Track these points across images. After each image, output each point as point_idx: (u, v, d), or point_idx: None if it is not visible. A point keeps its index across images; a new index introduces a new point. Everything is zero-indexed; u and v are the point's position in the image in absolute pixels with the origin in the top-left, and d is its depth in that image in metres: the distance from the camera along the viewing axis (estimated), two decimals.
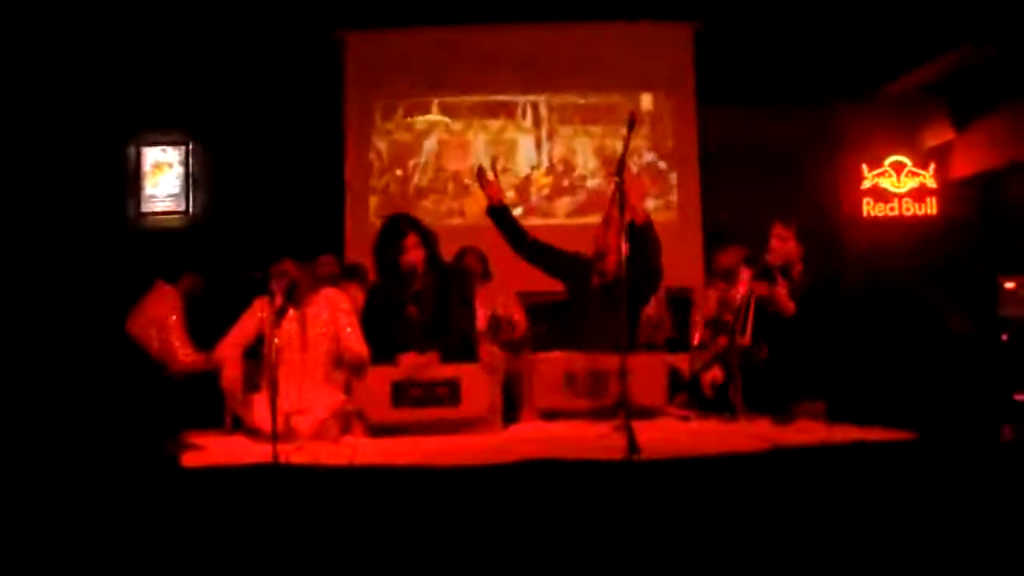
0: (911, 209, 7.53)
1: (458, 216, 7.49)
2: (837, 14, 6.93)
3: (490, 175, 4.69)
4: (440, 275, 4.25)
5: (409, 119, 7.63)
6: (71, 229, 6.86)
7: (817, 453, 3.17)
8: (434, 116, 7.66)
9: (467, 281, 4.43)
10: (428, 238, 4.24)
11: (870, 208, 7.52)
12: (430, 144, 7.67)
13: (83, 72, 6.99)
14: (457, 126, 7.71)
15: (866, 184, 7.55)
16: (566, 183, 7.65)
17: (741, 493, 2.97)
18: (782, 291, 4.09)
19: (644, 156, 7.53)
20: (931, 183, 7.55)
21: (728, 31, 7.26)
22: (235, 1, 7.01)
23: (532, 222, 7.05)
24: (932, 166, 7.54)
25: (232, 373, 3.97)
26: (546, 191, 7.69)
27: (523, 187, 7.63)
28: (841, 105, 7.41)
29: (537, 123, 7.73)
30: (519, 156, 7.69)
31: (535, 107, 7.70)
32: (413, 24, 7.42)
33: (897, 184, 7.54)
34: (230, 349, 4.07)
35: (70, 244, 6.78)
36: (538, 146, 7.68)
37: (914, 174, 7.55)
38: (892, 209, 7.52)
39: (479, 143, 7.67)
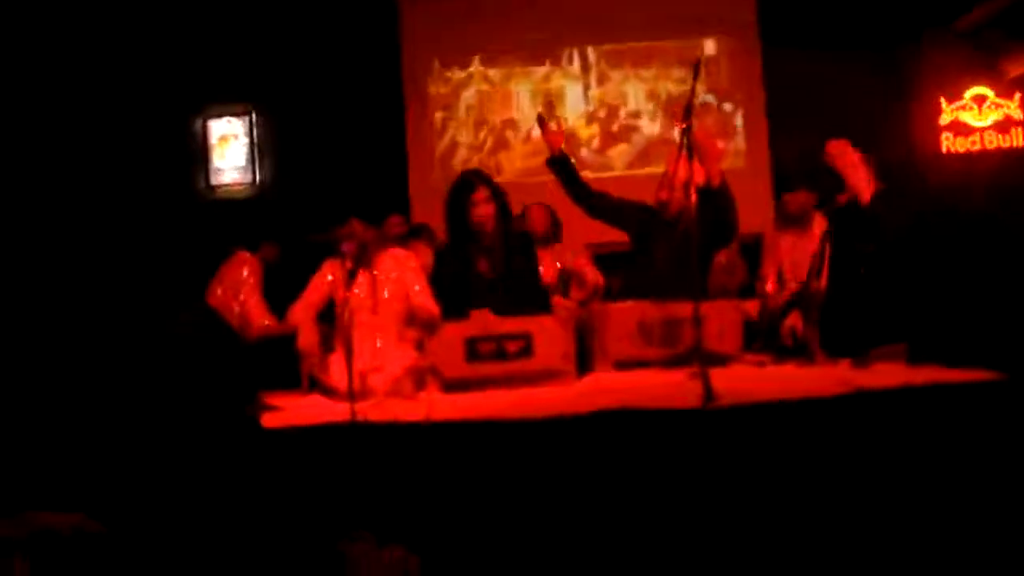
0: (995, 142, 7.21)
1: (495, 173, 7.44)
2: None
3: (552, 124, 4.59)
4: (509, 231, 4.25)
5: (448, 73, 7.54)
6: (144, 204, 7.03)
7: (899, 395, 3.09)
8: (474, 68, 7.55)
9: (527, 236, 4.44)
10: (498, 193, 4.24)
11: (950, 143, 7.23)
12: (468, 96, 7.55)
13: (147, 49, 7.11)
14: (496, 75, 7.58)
15: (945, 119, 7.25)
16: (615, 128, 7.50)
17: (823, 438, 2.92)
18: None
19: (705, 99, 7.34)
20: (1017, 114, 7.21)
21: None
22: None
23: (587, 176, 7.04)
24: (1017, 96, 7.20)
25: (308, 335, 4.04)
26: (595, 142, 7.53)
27: (569, 141, 7.54)
28: (914, 43, 7.12)
29: (586, 69, 7.55)
30: (567, 105, 7.50)
31: (583, 52, 7.52)
32: None
33: (979, 117, 7.22)
34: (303, 312, 4.14)
35: (144, 219, 6.94)
36: (586, 93, 7.48)
37: (997, 106, 7.22)
38: (974, 143, 7.22)
39: (522, 93, 7.55)
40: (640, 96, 7.49)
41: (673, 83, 7.40)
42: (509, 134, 7.50)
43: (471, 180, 4.28)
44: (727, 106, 7.43)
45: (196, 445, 2.62)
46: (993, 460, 2.90)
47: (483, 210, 4.17)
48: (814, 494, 2.84)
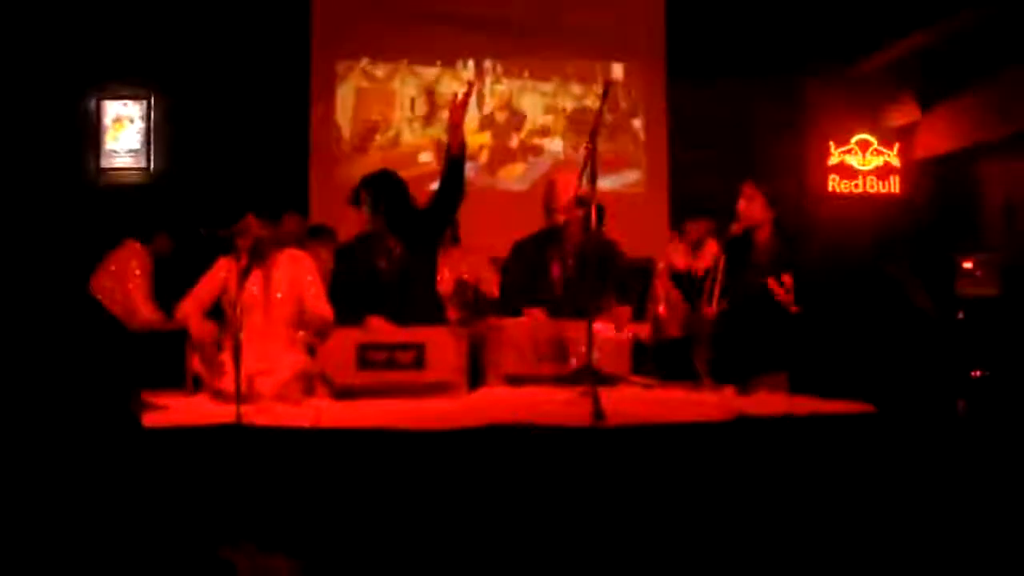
0: (875, 187, 7.62)
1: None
2: None
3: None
4: (409, 232, 4.22)
5: (360, 69, 7.45)
6: (29, 184, 6.70)
7: (779, 423, 3.21)
8: (380, 65, 7.50)
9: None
10: (393, 191, 4.20)
11: (836, 184, 7.61)
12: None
13: (42, 21, 6.79)
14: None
15: (833, 160, 7.63)
16: (514, 143, 7.54)
17: (706, 460, 3.01)
18: (786, 294, 4.00)
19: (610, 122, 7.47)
20: (895, 162, 7.64)
21: (699, 2, 7.25)
22: None
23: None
24: (897, 145, 7.63)
25: (200, 327, 3.91)
26: (485, 155, 7.50)
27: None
28: (811, 81, 7.47)
29: (480, 74, 7.57)
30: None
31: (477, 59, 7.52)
32: None
33: (863, 162, 7.62)
34: (192, 307, 4.01)
35: (28, 199, 6.62)
36: (480, 103, 7.46)
37: (879, 152, 7.64)
38: (857, 186, 7.62)
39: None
40: (538, 110, 7.55)
41: (572, 99, 7.50)
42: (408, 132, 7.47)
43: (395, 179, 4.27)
44: (635, 123, 7.57)
45: (71, 440, 2.51)
46: (863, 488, 3.05)
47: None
48: (695, 514, 2.93)
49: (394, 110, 7.48)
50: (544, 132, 7.54)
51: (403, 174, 4.35)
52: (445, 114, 7.22)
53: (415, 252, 4.21)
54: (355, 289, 4.14)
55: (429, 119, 7.47)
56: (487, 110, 7.56)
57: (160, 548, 2.39)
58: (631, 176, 7.50)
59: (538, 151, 7.54)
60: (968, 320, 5.59)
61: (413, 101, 7.50)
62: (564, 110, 7.51)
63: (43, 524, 2.24)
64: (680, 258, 4.91)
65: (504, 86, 7.56)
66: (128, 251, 5.27)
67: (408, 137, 7.48)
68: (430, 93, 7.49)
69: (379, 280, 4.16)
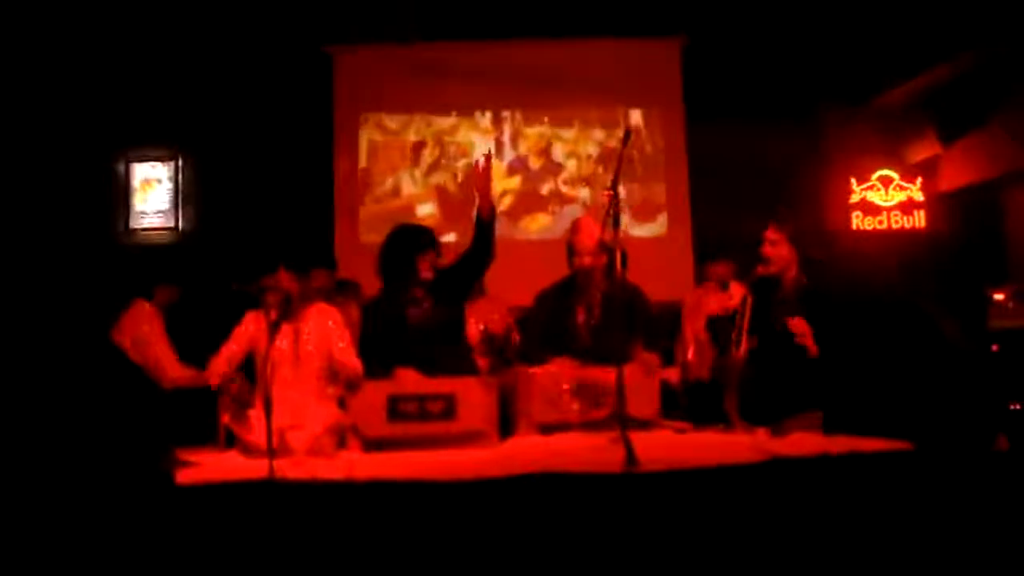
0: (899, 222, 7.58)
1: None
2: (824, 27, 7.00)
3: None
4: (438, 280, 4.26)
5: (380, 126, 7.54)
6: (61, 245, 6.82)
7: (814, 464, 3.17)
8: (402, 122, 7.57)
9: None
10: (438, 247, 4.27)
11: (859, 221, 7.57)
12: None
13: (73, 86, 6.97)
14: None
15: (854, 198, 7.60)
16: (545, 190, 7.58)
17: (740, 504, 2.97)
18: (808, 337, 3.99)
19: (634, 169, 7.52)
20: (918, 196, 7.60)
21: (715, 46, 7.31)
22: (225, 16, 7.03)
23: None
24: (919, 180, 7.60)
25: (234, 384, 3.93)
26: (509, 200, 7.53)
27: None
28: (829, 119, 7.48)
29: (498, 122, 7.64)
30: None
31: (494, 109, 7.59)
32: (401, 40, 7.45)
33: (885, 198, 7.59)
34: (224, 364, 4.04)
35: (60, 260, 6.73)
36: (499, 150, 7.52)
37: (902, 188, 7.60)
38: (881, 223, 7.57)
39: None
40: (560, 156, 7.61)
41: (593, 144, 7.55)
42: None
43: (419, 230, 4.34)
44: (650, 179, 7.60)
45: (105, 498, 2.53)
46: (902, 527, 2.99)
47: (428, 262, 4.20)
48: (731, 559, 2.88)
49: (403, 161, 7.57)
50: (571, 181, 7.57)
51: None
52: (455, 162, 7.44)
53: (444, 304, 4.23)
54: (385, 341, 4.16)
55: (434, 168, 7.52)
56: (521, 151, 7.60)
57: None
58: (661, 219, 7.52)
59: (567, 200, 7.55)
60: (1003, 352, 5.51)
61: (418, 149, 7.57)
62: (590, 156, 7.55)
63: None
64: (714, 302, 4.90)
65: (538, 129, 7.61)
66: (137, 314, 5.32)
67: (409, 188, 7.55)
68: (439, 142, 7.56)
69: (408, 332, 4.18)
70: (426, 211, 7.49)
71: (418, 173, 7.54)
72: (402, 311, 4.21)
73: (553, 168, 7.57)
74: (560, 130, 7.59)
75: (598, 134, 7.55)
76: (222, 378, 3.94)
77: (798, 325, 3.95)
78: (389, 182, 7.54)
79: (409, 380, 3.98)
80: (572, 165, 7.56)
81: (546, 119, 7.59)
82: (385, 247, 4.32)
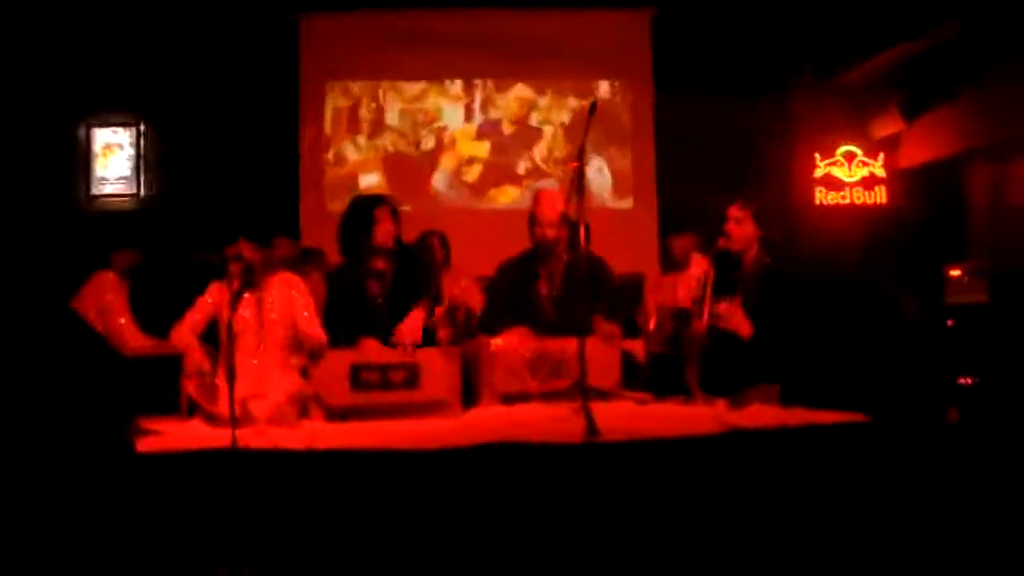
0: (861, 198, 7.68)
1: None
2: (793, 2, 7.03)
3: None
4: (403, 257, 4.25)
5: (346, 92, 7.45)
6: (21, 210, 6.70)
7: (772, 435, 3.24)
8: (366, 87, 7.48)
9: (432, 264, 4.43)
10: (396, 215, 4.24)
11: (823, 196, 7.66)
12: (363, 116, 7.47)
13: (33, 50, 6.82)
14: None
15: (818, 173, 7.68)
16: (520, 167, 7.53)
17: (699, 474, 3.02)
18: (738, 314, 4.07)
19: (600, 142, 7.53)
20: (880, 172, 7.70)
21: (684, 17, 7.31)
22: None
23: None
24: (881, 156, 7.69)
25: (194, 354, 3.91)
26: (478, 170, 7.54)
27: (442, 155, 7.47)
28: (796, 94, 7.53)
29: (469, 89, 7.58)
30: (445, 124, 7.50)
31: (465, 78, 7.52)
32: (369, 7, 7.37)
33: (848, 173, 7.68)
34: (186, 333, 4.02)
35: (20, 226, 6.62)
36: (468, 117, 7.49)
37: (864, 163, 7.70)
38: (844, 198, 7.67)
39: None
40: (535, 121, 7.56)
41: (567, 112, 7.54)
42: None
43: (371, 201, 4.30)
44: (616, 151, 7.62)
45: (66, 466, 2.52)
46: (857, 498, 3.07)
47: (384, 228, 4.17)
48: (690, 528, 2.94)
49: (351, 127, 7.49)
50: (547, 159, 7.54)
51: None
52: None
53: (405, 278, 4.23)
54: (347, 311, 4.16)
55: (375, 132, 7.48)
56: (492, 116, 7.53)
57: (156, 573, 2.40)
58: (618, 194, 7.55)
59: (543, 174, 7.50)
60: (958, 328, 5.62)
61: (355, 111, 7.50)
62: (563, 124, 7.53)
63: (39, 549, 2.25)
64: (681, 292, 4.91)
65: (513, 94, 7.54)
66: (97, 280, 5.25)
67: (352, 155, 7.50)
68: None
69: (369, 303, 4.17)
70: (371, 180, 7.44)
71: (361, 139, 7.47)
72: (363, 282, 4.20)
73: (530, 134, 7.53)
74: (536, 98, 7.56)
75: (572, 102, 7.53)
76: (184, 347, 3.92)
77: (724, 309, 4.03)
78: (348, 148, 7.49)
79: (372, 350, 3.98)
80: (549, 131, 7.53)
81: (518, 86, 7.55)
82: (343, 217, 4.30)
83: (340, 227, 4.29)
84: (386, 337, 4.04)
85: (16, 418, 2.49)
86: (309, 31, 7.37)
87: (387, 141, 7.48)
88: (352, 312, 4.14)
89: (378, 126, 7.47)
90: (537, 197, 4.59)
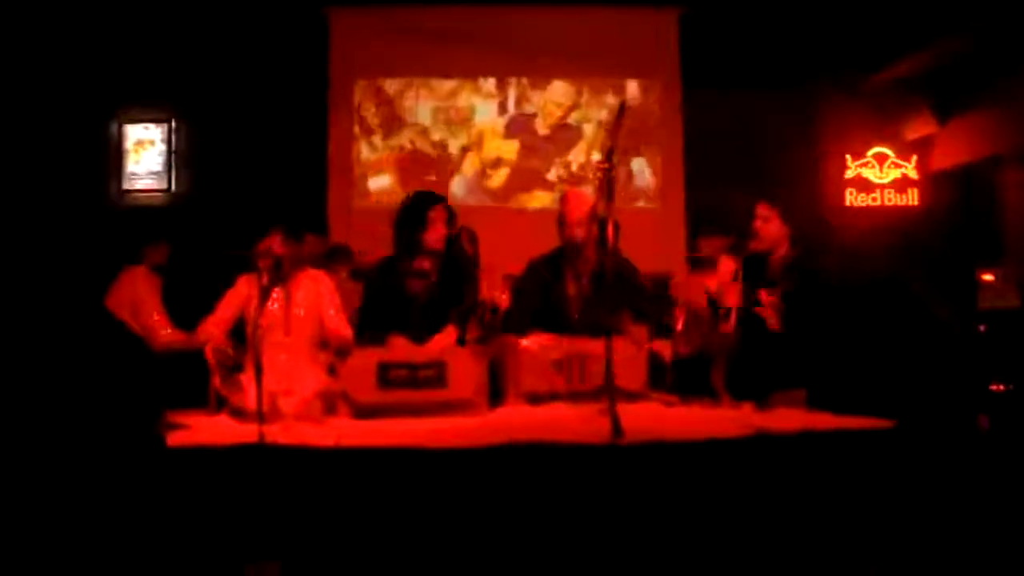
0: (893, 200, 7.60)
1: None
2: (823, 2, 6.97)
3: None
4: (449, 261, 4.26)
5: (376, 90, 7.47)
6: (53, 207, 6.79)
7: (798, 439, 3.21)
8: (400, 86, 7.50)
9: (472, 264, 4.43)
10: (453, 218, 4.25)
11: (853, 198, 7.59)
12: (392, 117, 7.50)
13: (66, 48, 6.91)
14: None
15: (849, 174, 7.62)
16: (551, 174, 7.51)
17: (724, 477, 3.01)
18: (775, 305, 4.04)
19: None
20: (913, 175, 7.62)
21: (714, 16, 7.27)
22: None
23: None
24: (914, 158, 7.62)
25: (220, 350, 3.94)
26: (504, 173, 7.53)
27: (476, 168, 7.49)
28: (826, 95, 7.47)
29: (502, 86, 7.58)
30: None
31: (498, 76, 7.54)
32: (399, 3, 7.39)
33: (880, 175, 7.61)
34: (215, 327, 4.05)
35: (52, 222, 6.71)
36: (502, 114, 7.48)
37: (897, 165, 7.62)
38: (874, 199, 7.60)
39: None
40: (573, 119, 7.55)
41: (605, 110, 7.53)
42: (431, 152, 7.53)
43: (427, 200, 4.30)
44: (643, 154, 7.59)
45: (97, 460, 2.55)
46: (885, 505, 3.04)
47: (437, 230, 4.19)
48: (714, 532, 2.93)
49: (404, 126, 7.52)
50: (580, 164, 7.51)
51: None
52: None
53: (448, 285, 4.23)
54: (386, 307, 4.17)
55: (398, 129, 7.48)
56: (527, 110, 7.51)
57: (184, 567, 2.42)
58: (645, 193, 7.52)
59: (576, 179, 7.48)
60: (990, 333, 5.55)
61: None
62: (600, 122, 7.50)
63: (71, 543, 2.28)
64: (711, 285, 4.88)
65: (555, 92, 7.52)
66: (129, 275, 5.30)
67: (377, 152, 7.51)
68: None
69: (411, 301, 4.19)
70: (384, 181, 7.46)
71: (377, 139, 7.49)
72: (404, 280, 4.21)
73: (569, 135, 7.50)
74: (575, 95, 7.54)
75: (610, 99, 7.51)
76: (212, 341, 3.96)
77: (764, 297, 3.99)
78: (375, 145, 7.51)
79: (400, 348, 4.00)
80: (589, 130, 7.50)
81: (556, 83, 7.55)
82: (398, 212, 4.31)
83: (394, 222, 4.29)
84: (420, 338, 4.06)
85: (49, 413, 2.53)
86: (338, 26, 7.41)
87: (410, 139, 7.49)
88: (389, 308, 4.16)
89: (403, 123, 7.49)
90: (565, 197, 4.59)
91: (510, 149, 7.51)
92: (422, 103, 7.50)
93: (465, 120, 7.48)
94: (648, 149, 7.55)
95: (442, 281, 4.21)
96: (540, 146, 7.52)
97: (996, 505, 3.07)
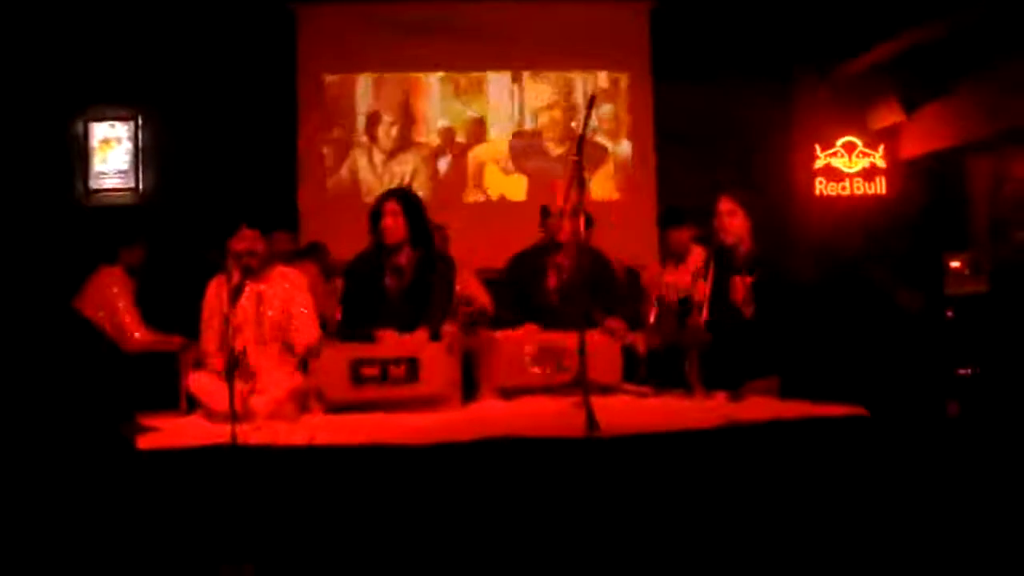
0: (861, 189, 7.67)
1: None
2: None
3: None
4: (423, 252, 4.24)
5: (342, 84, 7.44)
6: (19, 206, 6.69)
7: (771, 429, 3.24)
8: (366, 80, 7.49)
9: (450, 263, 4.41)
10: (413, 210, 4.22)
11: (823, 187, 7.66)
12: (361, 107, 7.47)
13: (29, 46, 6.80)
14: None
15: (819, 164, 7.67)
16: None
17: (699, 468, 3.03)
18: (745, 298, 4.06)
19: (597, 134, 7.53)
20: (881, 163, 7.69)
21: (683, 7, 7.30)
22: None
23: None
24: (882, 147, 7.68)
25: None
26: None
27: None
28: (796, 85, 7.51)
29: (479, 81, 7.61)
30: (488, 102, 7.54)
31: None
32: None
33: (848, 164, 7.67)
34: (214, 339, 4.00)
35: (18, 221, 6.61)
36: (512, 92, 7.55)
37: (865, 154, 7.69)
38: (844, 188, 7.66)
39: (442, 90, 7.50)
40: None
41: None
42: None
43: (389, 191, 4.34)
44: (615, 142, 7.61)
45: (65, 464, 2.51)
46: (858, 491, 3.07)
47: (388, 222, 4.16)
48: (690, 522, 2.94)
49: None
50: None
51: None
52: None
53: (423, 281, 4.21)
54: (363, 302, 4.16)
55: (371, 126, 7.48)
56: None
57: (159, 570, 2.40)
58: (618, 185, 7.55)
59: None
60: (958, 319, 5.62)
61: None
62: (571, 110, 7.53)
63: (39, 548, 2.25)
64: (679, 279, 4.89)
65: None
66: (102, 275, 5.24)
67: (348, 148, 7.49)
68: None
69: (387, 296, 4.17)
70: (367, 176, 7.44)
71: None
72: (380, 276, 4.20)
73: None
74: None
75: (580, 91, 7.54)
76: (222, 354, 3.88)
77: (739, 285, 4.02)
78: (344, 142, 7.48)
79: (380, 342, 3.98)
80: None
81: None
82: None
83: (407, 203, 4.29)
84: (399, 329, 4.06)
85: (15, 415, 2.48)
86: (306, 21, 7.35)
87: (383, 135, 7.46)
88: (368, 303, 4.14)
89: (375, 120, 7.46)
90: (551, 188, 4.64)
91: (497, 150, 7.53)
92: (388, 96, 7.46)
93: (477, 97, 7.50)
94: (619, 141, 7.56)
95: (417, 278, 4.19)
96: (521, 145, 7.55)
97: (968, 489, 3.12)
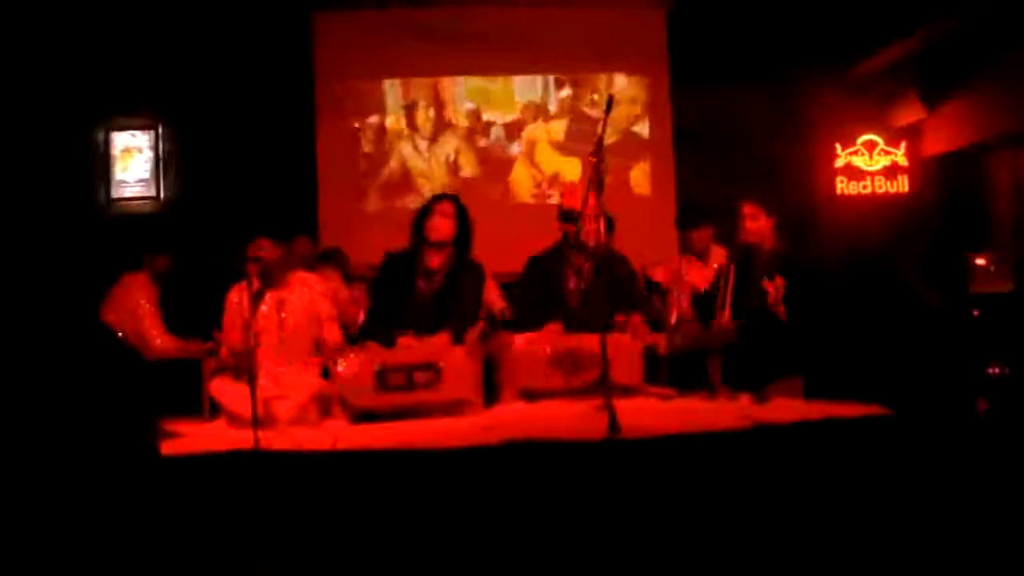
0: (883, 187, 7.60)
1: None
2: None
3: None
4: (459, 259, 4.25)
5: (362, 91, 7.44)
6: (41, 216, 6.74)
7: (797, 430, 3.20)
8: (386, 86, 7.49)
9: (480, 270, 4.41)
10: (463, 216, 4.26)
11: (844, 186, 7.59)
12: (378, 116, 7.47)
13: (50, 56, 6.86)
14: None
15: (839, 163, 7.61)
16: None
17: (723, 470, 3.00)
18: (777, 300, 4.03)
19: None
20: (902, 161, 7.61)
21: (700, 11, 7.26)
22: None
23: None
24: (903, 144, 7.61)
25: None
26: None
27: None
28: (815, 84, 7.46)
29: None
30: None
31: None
32: (384, 5, 7.36)
33: (869, 162, 7.61)
34: (236, 350, 4.01)
35: (41, 231, 6.66)
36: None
37: (886, 152, 7.61)
38: (865, 187, 7.59)
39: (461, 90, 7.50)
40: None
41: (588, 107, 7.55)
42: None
43: (444, 194, 4.43)
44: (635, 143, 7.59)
45: (91, 470, 2.53)
46: (885, 493, 3.03)
47: (439, 223, 4.20)
48: (714, 525, 2.92)
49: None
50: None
51: None
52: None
53: (455, 286, 4.22)
54: (392, 303, 4.17)
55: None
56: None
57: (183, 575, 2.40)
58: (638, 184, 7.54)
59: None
60: (983, 317, 5.54)
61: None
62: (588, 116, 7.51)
63: (64, 552, 2.26)
64: (698, 277, 4.87)
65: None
66: (127, 283, 5.27)
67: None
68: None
69: (418, 299, 4.18)
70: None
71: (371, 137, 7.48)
72: (411, 278, 4.21)
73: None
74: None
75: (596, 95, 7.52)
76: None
77: (771, 288, 3.99)
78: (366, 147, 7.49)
79: (401, 348, 3.98)
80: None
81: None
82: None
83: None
84: (426, 333, 4.06)
85: (42, 422, 2.50)
86: (323, 29, 7.37)
87: (405, 139, 7.47)
88: (396, 306, 4.15)
89: (413, 108, 7.47)
90: (567, 189, 4.63)
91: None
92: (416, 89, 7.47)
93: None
94: (640, 145, 7.54)
95: (447, 283, 4.20)
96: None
97: (997, 490, 3.07)
